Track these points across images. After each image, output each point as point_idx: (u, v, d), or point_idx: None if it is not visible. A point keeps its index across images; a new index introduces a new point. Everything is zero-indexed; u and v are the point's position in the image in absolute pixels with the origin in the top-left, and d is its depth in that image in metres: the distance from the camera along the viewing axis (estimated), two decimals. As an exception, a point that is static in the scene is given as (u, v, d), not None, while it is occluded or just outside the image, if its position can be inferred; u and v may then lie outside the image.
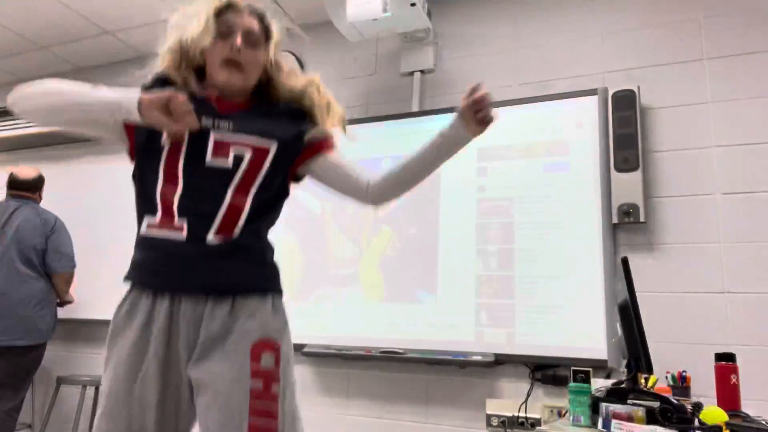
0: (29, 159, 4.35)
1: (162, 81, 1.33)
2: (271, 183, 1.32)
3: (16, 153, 4.41)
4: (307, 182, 1.46)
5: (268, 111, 1.36)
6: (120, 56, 4.30)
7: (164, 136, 1.27)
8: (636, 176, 2.59)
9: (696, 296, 2.47)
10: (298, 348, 3.08)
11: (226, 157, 1.27)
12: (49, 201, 4.13)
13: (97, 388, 3.51)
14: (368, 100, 3.42)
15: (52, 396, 3.27)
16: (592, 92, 2.80)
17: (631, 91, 2.69)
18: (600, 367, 2.47)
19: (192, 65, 1.36)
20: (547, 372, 2.60)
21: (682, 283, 2.50)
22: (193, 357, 1.19)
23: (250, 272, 1.28)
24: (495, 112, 1.37)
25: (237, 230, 1.26)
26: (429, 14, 3.08)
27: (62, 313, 3.80)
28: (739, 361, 1.76)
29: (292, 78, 1.39)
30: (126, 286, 1.32)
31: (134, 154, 1.40)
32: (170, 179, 1.29)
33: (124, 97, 1.21)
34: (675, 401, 1.42)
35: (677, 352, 2.42)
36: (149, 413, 1.17)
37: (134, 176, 1.43)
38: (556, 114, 2.85)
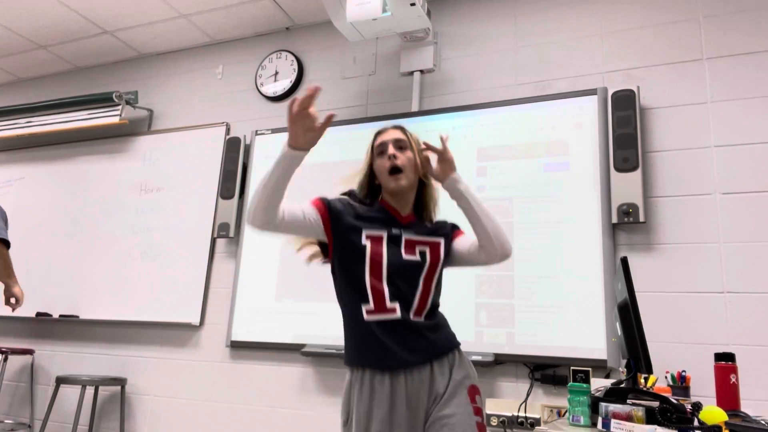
0: (29, 159, 4.35)
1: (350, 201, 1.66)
2: (442, 270, 1.66)
3: (16, 153, 4.41)
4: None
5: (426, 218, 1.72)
6: (120, 56, 4.30)
7: (363, 237, 1.56)
8: (636, 176, 2.59)
9: (695, 296, 2.47)
10: (298, 348, 3.08)
11: (414, 253, 1.59)
12: (49, 200, 4.14)
13: (96, 388, 3.52)
14: (368, 99, 3.42)
15: (51, 396, 3.27)
16: (591, 92, 2.80)
17: (631, 91, 2.69)
18: (599, 367, 2.47)
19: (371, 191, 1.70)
20: (546, 372, 2.60)
21: (682, 283, 2.50)
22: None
23: (444, 338, 1.60)
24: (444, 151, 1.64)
25: (425, 311, 1.57)
26: (429, 14, 3.08)
27: (62, 312, 3.81)
28: (739, 361, 1.76)
29: (434, 187, 1.71)
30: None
31: (333, 251, 1.60)
32: (375, 272, 1.54)
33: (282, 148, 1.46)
34: (674, 401, 1.41)
35: (677, 352, 2.42)
36: None
37: (334, 271, 1.65)
38: (555, 114, 2.85)
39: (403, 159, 1.62)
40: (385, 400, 1.49)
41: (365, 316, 1.52)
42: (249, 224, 1.48)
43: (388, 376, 1.51)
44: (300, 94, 3.87)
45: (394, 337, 1.50)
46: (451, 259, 1.69)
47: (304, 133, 1.40)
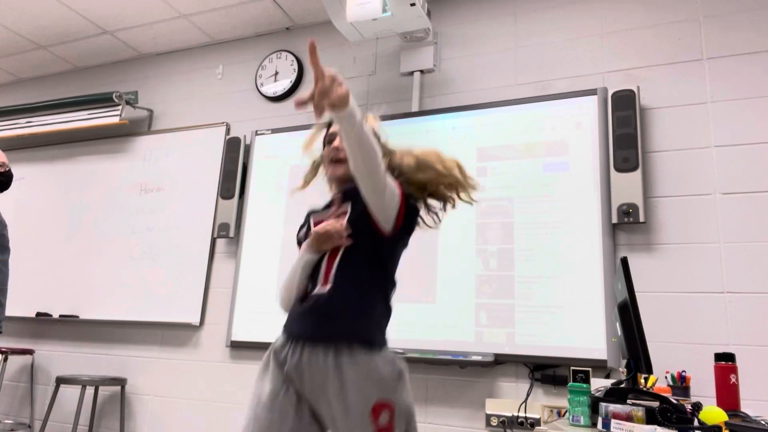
0: (29, 159, 4.35)
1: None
2: (355, 236, 1.56)
3: (16, 153, 4.41)
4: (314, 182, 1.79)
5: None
6: (120, 56, 4.30)
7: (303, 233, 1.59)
8: (636, 176, 2.59)
9: (695, 296, 2.47)
10: (298, 348, 3.08)
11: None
12: (48, 200, 4.14)
13: (96, 388, 3.52)
14: (368, 100, 3.42)
15: (51, 396, 3.27)
16: (591, 92, 2.80)
17: (631, 91, 2.69)
18: (599, 367, 2.47)
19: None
20: (546, 372, 2.60)
21: (682, 283, 2.50)
22: None
23: (343, 323, 1.50)
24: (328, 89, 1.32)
25: (330, 282, 1.49)
26: (429, 14, 3.08)
27: (62, 312, 3.81)
28: (739, 361, 1.76)
29: (406, 157, 1.63)
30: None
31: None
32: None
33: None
34: (674, 401, 1.41)
35: (677, 352, 2.42)
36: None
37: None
38: (555, 114, 2.85)
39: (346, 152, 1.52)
40: (273, 366, 1.47)
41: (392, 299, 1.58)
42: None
43: (285, 340, 1.48)
44: (300, 93, 3.87)
45: (297, 309, 1.49)
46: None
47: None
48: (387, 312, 1.53)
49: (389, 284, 1.56)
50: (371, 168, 1.38)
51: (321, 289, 1.46)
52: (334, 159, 1.61)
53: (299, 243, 1.62)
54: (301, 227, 1.65)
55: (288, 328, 1.50)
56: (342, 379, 1.36)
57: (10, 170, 2.68)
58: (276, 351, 1.49)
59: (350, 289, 1.46)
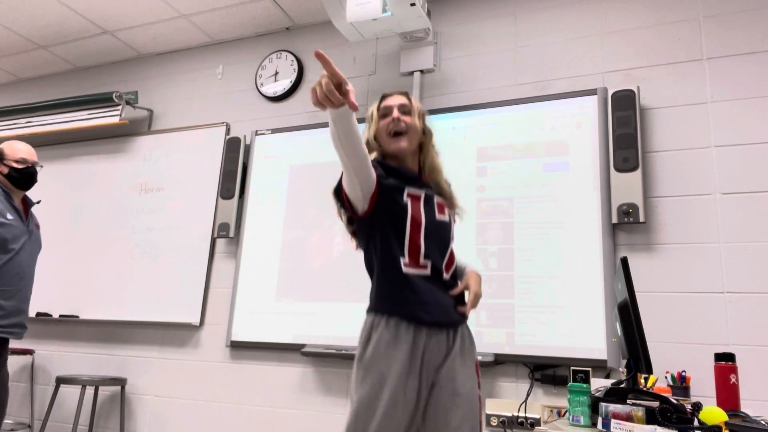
0: (29, 159, 4.34)
1: (380, 163, 1.64)
2: None
3: (16, 153, 4.41)
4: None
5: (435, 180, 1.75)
6: (120, 56, 4.30)
7: (405, 195, 1.60)
8: (636, 176, 2.59)
9: (695, 296, 2.47)
10: (298, 348, 3.08)
11: (444, 214, 1.69)
12: (48, 200, 4.13)
13: (96, 388, 3.52)
14: (368, 100, 3.42)
15: (51, 396, 3.27)
16: (591, 92, 2.80)
17: (631, 91, 2.69)
18: (599, 367, 2.47)
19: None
20: (546, 372, 2.60)
21: (682, 283, 2.50)
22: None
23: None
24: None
25: (452, 270, 1.66)
26: (429, 14, 3.08)
27: (62, 312, 3.81)
28: (739, 361, 1.76)
29: (435, 155, 1.74)
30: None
31: (373, 210, 1.60)
32: (415, 229, 1.59)
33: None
34: (674, 401, 1.41)
35: (677, 352, 2.42)
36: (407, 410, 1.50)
37: (365, 228, 1.65)
38: (555, 114, 2.85)
39: (406, 123, 1.66)
40: (407, 348, 1.48)
41: (403, 268, 1.55)
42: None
43: (413, 327, 1.51)
44: (300, 94, 3.83)
45: (428, 291, 1.54)
46: None
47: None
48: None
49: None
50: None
51: (446, 274, 1.62)
52: (395, 131, 1.65)
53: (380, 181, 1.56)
54: (396, 183, 1.60)
55: (443, 316, 1.57)
56: (462, 338, 1.62)
57: (30, 167, 2.70)
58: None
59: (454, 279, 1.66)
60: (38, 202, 2.86)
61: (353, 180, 1.51)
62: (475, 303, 1.62)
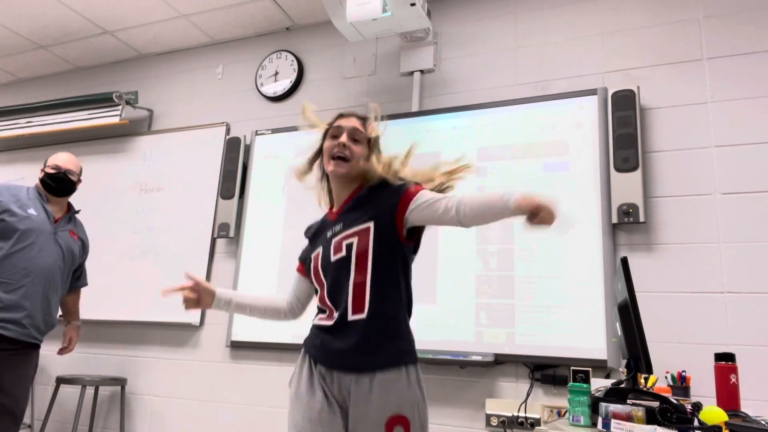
0: (29, 159, 4.35)
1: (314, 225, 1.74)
2: (381, 255, 1.52)
3: (16, 153, 4.41)
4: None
5: (368, 196, 1.61)
6: (120, 56, 4.30)
7: (312, 260, 1.66)
8: (636, 176, 2.59)
9: (696, 296, 2.47)
10: (298, 348, 3.07)
11: (341, 250, 1.55)
12: (49, 201, 4.13)
13: (96, 388, 3.52)
14: (368, 100, 3.42)
15: (51, 396, 3.27)
16: (591, 92, 2.80)
17: (631, 91, 2.69)
18: (600, 367, 2.47)
19: (326, 189, 1.71)
20: (546, 372, 2.60)
21: (682, 283, 2.50)
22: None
23: (386, 350, 1.51)
24: (551, 217, 1.38)
25: (367, 306, 1.49)
26: (429, 14, 3.08)
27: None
28: (739, 361, 1.76)
29: (374, 165, 1.63)
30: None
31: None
32: (319, 285, 1.62)
33: None
34: (674, 401, 1.41)
35: (677, 352, 2.42)
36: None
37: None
38: (555, 114, 2.85)
39: (352, 151, 1.59)
40: (312, 385, 1.51)
41: (317, 321, 1.62)
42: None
43: (315, 367, 1.53)
44: (300, 94, 3.83)
45: (331, 336, 1.51)
46: (412, 223, 1.56)
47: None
48: (410, 318, 1.61)
49: (410, 296, 1.61)
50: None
51: (355, 316, 1.48)
52: (339, 155, 1.59)
53: (303, 266, 1.73)
54: (308, 251, 1.71)
55: (327, 360, 1.52)
56: (371, 386, 1.44)
57: (59, 173, 2.72)
58: (322, 374, 1.52)
59: (387, 312, 1.51)
60: (78, 212, 2.91)
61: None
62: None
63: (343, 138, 1.59)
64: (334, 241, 1.57)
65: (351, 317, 1.48)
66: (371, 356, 1.46)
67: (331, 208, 1.69)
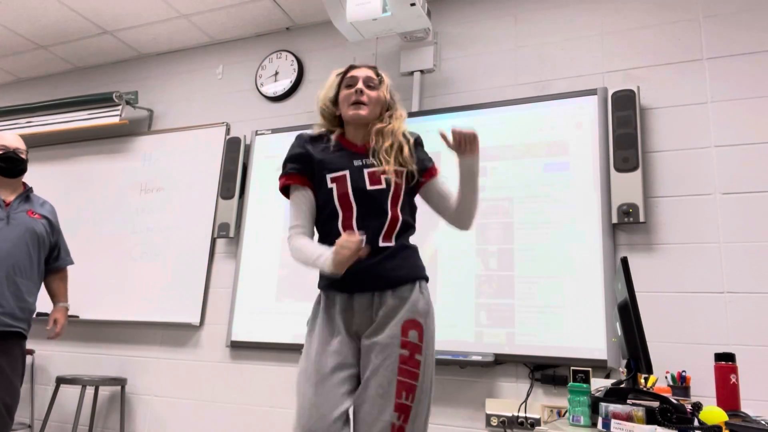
0: (29, 159, 4.34)
1: (311, 138, 1.77)
2: (408, 197, 1.72)
3: (16, 153, 4.40)
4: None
5: (401, 145, 1.73)
6: (120, 56, 4.30)
7: (329, 180, 1.69)
8: (636, 176, 2.59)
9: (696, 296, 2.47)
10: (298, 348, 3.08)
11: (379, 181, 1.66)
12: (48, 200, 4.13)
13: (96, 388, 3.52)
14: (368, 100, 3.42)
15: (51, 396, 3.27)
16: (591, 92, 2.80)
17: (631, 91, 2.69)
18: (600, 367, 2.47)
19: (335, 121, 1.79)
20: (546, 372, 2.60)
21: (682, 283, 2.50)
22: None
23: (406, 268, 1.66)
24: (473, 137, 1.68)
25: (395, 234, 1.65)
26: (429, 14, 3.08)
27: (62, 313, 3.81)
28: (739, 361, 1.76)
29: (392, 123, 1.75)
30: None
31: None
32: (345, 209, 1.67)
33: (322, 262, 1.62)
34: (675, 401, 1.41)
35: (677, 352, 2.42)
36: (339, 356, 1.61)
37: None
38: (555, 114, 2.85)
39: (369, 96, 1.71)
40: (330, 319, 1.65)
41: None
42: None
43: (338, 296, 1.65)
44: (300, 94, 3.81)
45: (362, 262, 1.57)
46: (422, 194, 1.77)
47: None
48: None
49: None
50: (477, 207, 1.72)
51: (386, 242, 1.62)
52: (357, 101, 1.69)
53: (308, 179, 1.70)
54: (317, 166, 1.70)
55: (352, 282, 1.61)
56: (391, 298, 1.59)
57: (11, 152, 2.60)
58: (343, 307, 1.64)
59: (408, 242, 1.68)
60: (31, 189, 2.75)
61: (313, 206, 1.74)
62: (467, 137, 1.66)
63: (359, 84, 1.70)
64: (367, 171, 1.66)
65: (382, 243, 1.61)
66: (394, 272, 1.60)
67: (342, 136, 1.75)
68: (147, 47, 4.16)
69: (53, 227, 2.75)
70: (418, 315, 1.59)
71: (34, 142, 4.35)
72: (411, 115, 3.19)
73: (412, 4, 2.85)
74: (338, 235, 1.61)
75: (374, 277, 1.60)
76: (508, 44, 3.14)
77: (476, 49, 3.21)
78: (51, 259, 2.75)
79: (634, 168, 2.60)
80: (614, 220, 2.59)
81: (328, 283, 1.68)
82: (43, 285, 2.73)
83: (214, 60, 4.00)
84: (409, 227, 1.70)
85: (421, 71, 3.28)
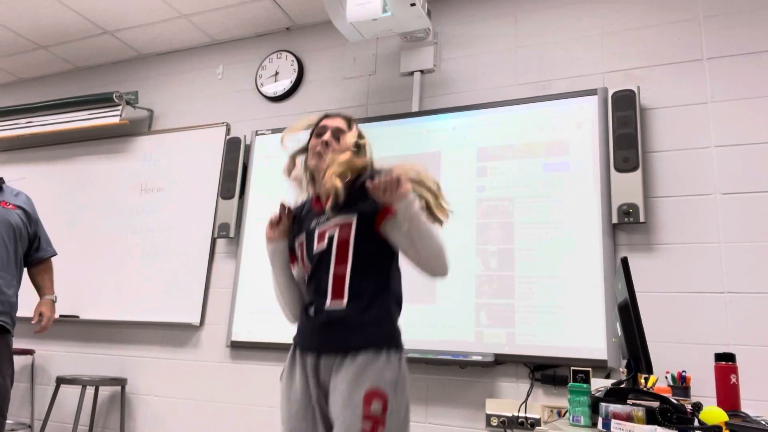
0: (30, 159, 4.35)
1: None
2: (362, 248, 1.57)
3: (16, 153, 4.41)
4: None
5: (353, 191, 1.63)
6: (120, 56, 4.30)
7: (296, 245, 1.71)
8: (636, 176, 2.59)
9: (696, 296, 2.47)
10: (298, 348, 3.08)
11: (323, 240, 1.60)
12: (49, 201, 4.14)
13: (96, 388, 3.52)
14: (368, 100, 3.42)
15: (51, 396, 3.27)
16: (592, 92, 2.80)
17: (631, 91, 2.69)
18: (600, 367, 2.47)
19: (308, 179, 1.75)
20: (546, 372, 2.60)
21: (682, 283, 2.50)
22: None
23: (365, 333, 1.54)
24: (390, 182, 1.47)
25: (346, 296, 1.55)
26: (429, 14, 3.08)
27: (62, 312, 3.81)
28: (739, 361, 1.76)
29: (336, 166, 1.64)
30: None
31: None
32: (305, 272, 1.68)
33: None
34: (675, 401, 1.41)
35: (677, 352, 2.42)
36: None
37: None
38: (555, 114, 2.85)
39: (334, 147, 1.65)
40: (293, 378, 1.60)
41: (303, 311, 1.67)
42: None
43: (300, 356, 1.60)
44: (300, 94, 3.82)
45: (313, 323, 1.57)
46: (387, 234, 1.59)
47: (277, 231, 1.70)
48: (399, 312, 1.63)
49: (398, 289, 1.64)
50: (437, 251, 1.53)
51: (335, 303, 1.54)
52: (320, 152, 1.65)
53: (291, 251, 1.72)
54: (292, 238, 1.73)
55: (312, 344, 1.58)
56: (351, 365, 1.48)
57: None
58: (308, 363, 1.57)
59: (368, 300, 1.54)
60: (2, 180, 2.65)
61: (296, 298, 1.75)
62: (388, 182, 1.46)
63: (327, 136, 1.65)
64: (317, 232, 1.62)
65: (329, 305, 1.54)
66: (352, 336, 1.50)
67: (317, 199, 1.71)
68: (147, 47, 4.16)
69: (30, 218, 2.67)
70: (382, 385, 1.45)
71: (34, 142, 4.35)
72: (411, 115, 3.20)
73: (412, 4, 2.85)
74: (305, 290, 1.68)
75: (325, 341, 1.54)
76: (508, 44, 3.14)
77: (476, 49, 3.21)
78: (32, 251, 2.69)
79: (635, 168, 2.60)
80: (614, 220, 2.59)
81: (296, 336, 1.67)
82: (30, 280, 2.68)
83: (214, 60, 4.00)
84: (366, 284, 1.55)
85: (421, 71, 3.28)
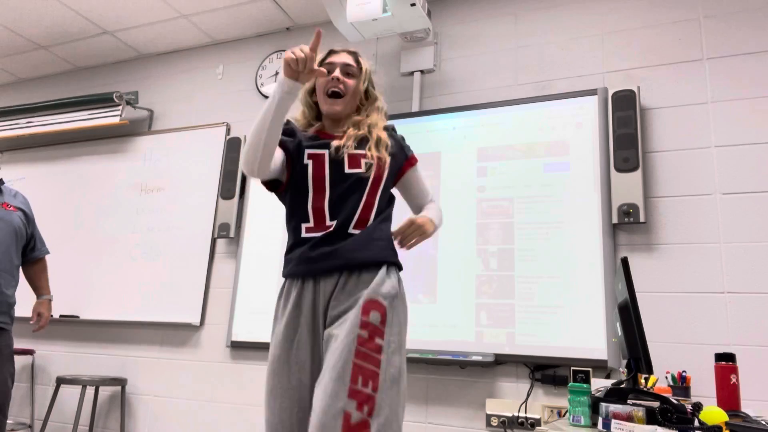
0: (30, 159, 4.35)
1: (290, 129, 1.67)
2: (387, 186, 1.64)
3: (16, 153, 4.41)
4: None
5: (380, 133, 1.66)
6: (120, 56, 4.30)
7: (305, 156, 1.61)
8: (636, 176, 2.59)
9: (696, 296, 2.47)
10: (298, 348, 3.07)
11: (359, 166, 1.58)
12: (49, 201, 4.14)
13: (97, 388, 3.52)
14: (368, 100, 3.42)
15: (51, 396, 3.27)
16: (592, 92, 2.80)
17: (631, 91, 2.69)
18: (600, 367, 2.47)
19: (313, 112, 1.71)
20: (547, 372, 2.60)
21: (682, 283, 2.50)
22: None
23: (372, 251, 1.56)
24: (416, 230, 1.61)
25: (369, 222, 1.57)
26: (429, 14, 3.08)
27: (62, 312, 3.82)
28: (739, 361, 1.76)
29: (371, 118, 1.68)
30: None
31: (289, 178, 1.68)
32: (318, 190, 1.60)
33: (274, 87, 1.51)
34: (675, 401, 1.41)
35: (677, 352, 2.42)
36: (305, 370, 1.50)
37: (284, 199, 1.75)
38: (556, 114, 2.85)
39: (346, 85, 1.63)
40: (292, 305, 1.53)
41: (303, 233, 1.58)
42: (246, 173, 1.57)
43: (300, 282, 1.54)
44: (300, 94, 3.80)
45: (324, 243, 1.52)
46: (399, 185, 1.74)
47: (305, 70, 1.46)
48: None
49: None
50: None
51: (357, 230, 1.54)
52: (333, 92, 1.62)
53: (287, 151, 1.61)
54: (295, 144, 1.61)
55: (317, 267, 1.52)
56: (355, 280, 1.50)
57: None
58: (305, 294, 1.53)
59: (382, 231, 1.59)
60: (2, 182, 2.69)
61: (271, 154, 1.52)
62: (408, 229, 1.57)
63: (336, 73, 1.63)
64: (348, 154, 1.57)
65: (351, 230, 1.54)
66: (359, 252, 1.51)
67: (321, 129, 1.68)
68: (147, 47, 4.16)
69: (29, 218, 2.73)
70: (381, 296, 1.46)
71: (34, 142, 4.35)
72: (411, 115, 3.20)
73: (413, 4, 2.85)
74: (306, 216, 1.57)
75: (335, 259, 1.51)
76: (508, 44, 3.14)
77: (476, 49, 3.21)
78: (27, 250, 2.74)
79: (635, 168, 2.60)
80: (614, 220, 2.59)
81: (292, 268, 1.57)
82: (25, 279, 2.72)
83: (214, 60, 4.00)
84: (385, 217, 1.61)
85: (421, 71, 3.28)
